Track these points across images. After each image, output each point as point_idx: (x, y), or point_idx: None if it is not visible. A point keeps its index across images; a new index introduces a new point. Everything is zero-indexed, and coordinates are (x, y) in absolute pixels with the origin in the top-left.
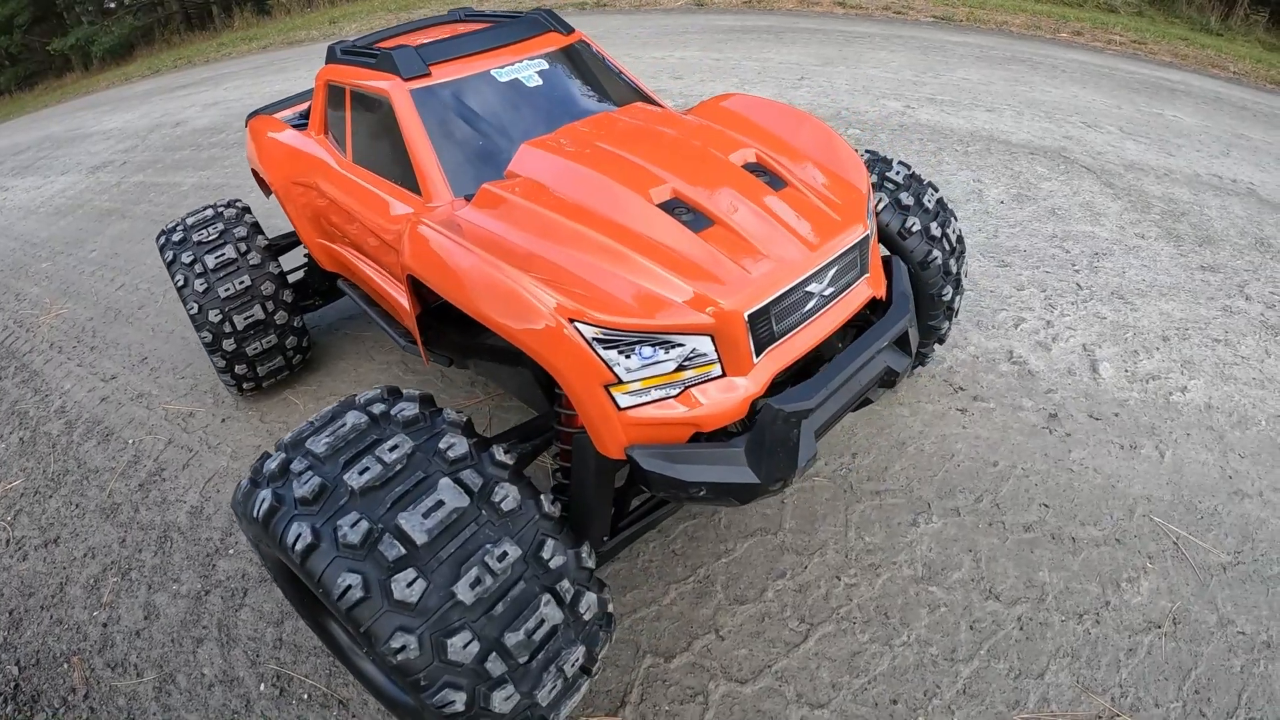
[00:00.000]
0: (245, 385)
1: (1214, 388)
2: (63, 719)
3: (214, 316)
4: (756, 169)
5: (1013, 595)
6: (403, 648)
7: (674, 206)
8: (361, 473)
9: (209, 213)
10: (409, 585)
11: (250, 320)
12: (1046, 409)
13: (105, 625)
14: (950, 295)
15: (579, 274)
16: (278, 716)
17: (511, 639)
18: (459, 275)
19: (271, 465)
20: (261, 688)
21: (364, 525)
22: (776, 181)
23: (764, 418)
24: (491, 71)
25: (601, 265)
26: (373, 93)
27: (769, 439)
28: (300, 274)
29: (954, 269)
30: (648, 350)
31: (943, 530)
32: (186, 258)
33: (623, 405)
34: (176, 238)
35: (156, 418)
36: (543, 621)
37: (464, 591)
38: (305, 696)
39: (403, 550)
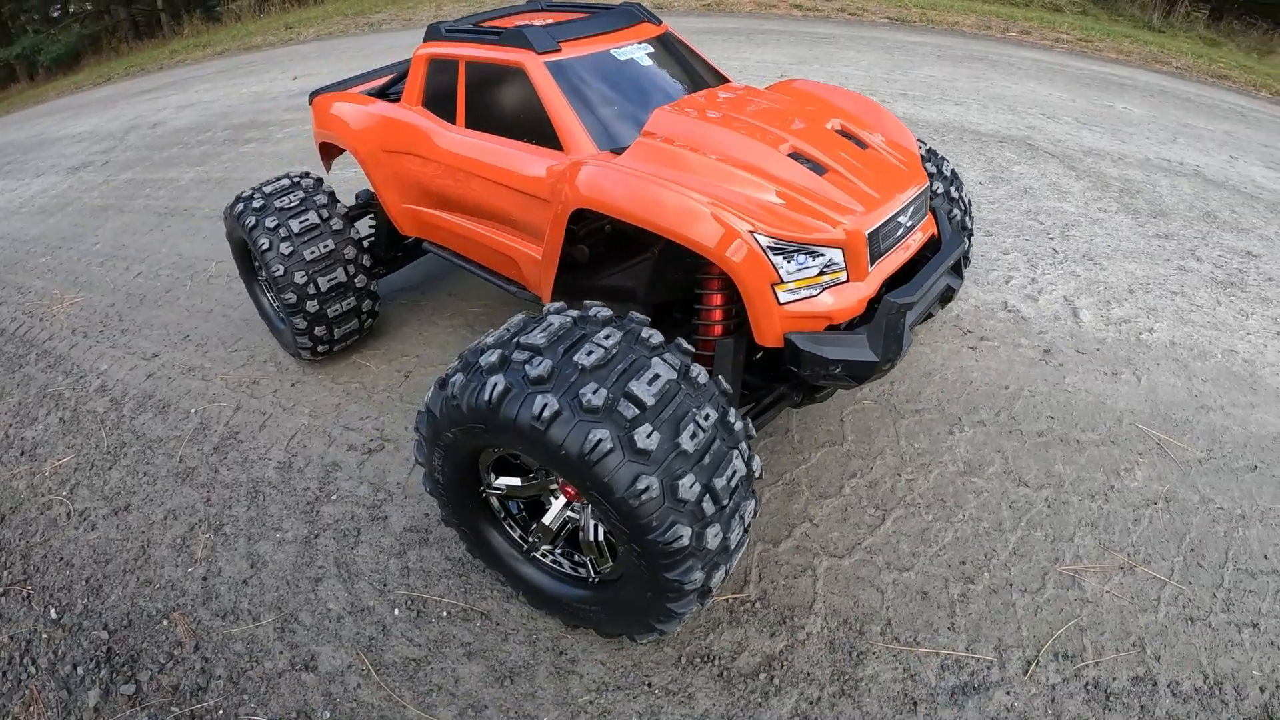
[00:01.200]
0: (320, 348)
1: (1175, 329)
2: (171, 673)
3: (299, 278)
4: (842, 134)
5: (1038, 482)
6: (646, 489)
7: (796, 159)
8: (588, 354)
9: (285, 182)
10: (648, 436)
11: (334, 283)
12: (1041, 346)
13: (205, 579)
14: (966, 245)
15: (748, 202)
16: (418, 635)
17: (718, 483)
18: (652, 202)
19: (490, 358)
20: (396, 612)
21: (603, 392)
22: (860, 143)
23: (883, 308)
24: (611, 50)
25: (761, 197)
26: (503, 64)
27: (886, 326)
28: (366, 242)
29: (968, 224)
30: (801, 258)
31: (974, 437)
32: (270, 222)
33: (782, 300)
34: (257, 204)
35: (216, 388)
36: (734, 473)
37: (686, 442)
38: (444, 614)
39: (637, 410)
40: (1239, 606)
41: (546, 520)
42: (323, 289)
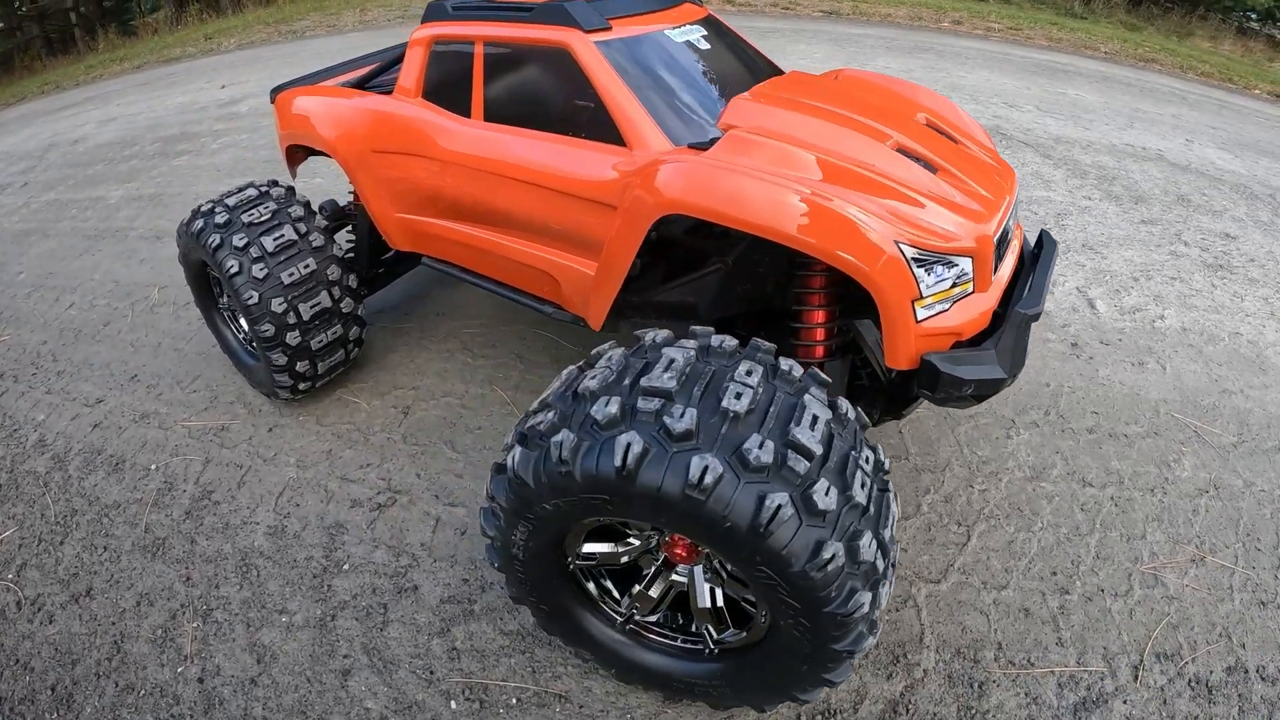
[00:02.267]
0: (301, 386)
1: (1183, 315)
2: None
3: (277, 306)
4: (932, 128)
5: (1100, 481)
6: (831, 556)
7: (904, 156)
8: (737, 397)
9: (252, 192)
10: (826, 494)
11: (317, 309)
12: (1067, 339)
13: (202, 681)
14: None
15: (884, 207)
16: None
17: (886, 534)
18: (774, 205)
19: (607, 410)
20: (453, 705)
21: (770, 445)
22: (951, 139)
23: (1012, 321)
24: (666, 31)
25: (890, 201)
26: (540, 45)
27: (1015, 340)
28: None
29: None
30: (940, 269)
31: (1031, 439)
32: (238, 240)
33: (919, 318)
34: (220, 219)
35: (177, 438)
36: (893, 518)
37: (858, 493)
38: (513, 702)
39: (806, 462)
40: None
41: (648, 589)
42: (305, 317)
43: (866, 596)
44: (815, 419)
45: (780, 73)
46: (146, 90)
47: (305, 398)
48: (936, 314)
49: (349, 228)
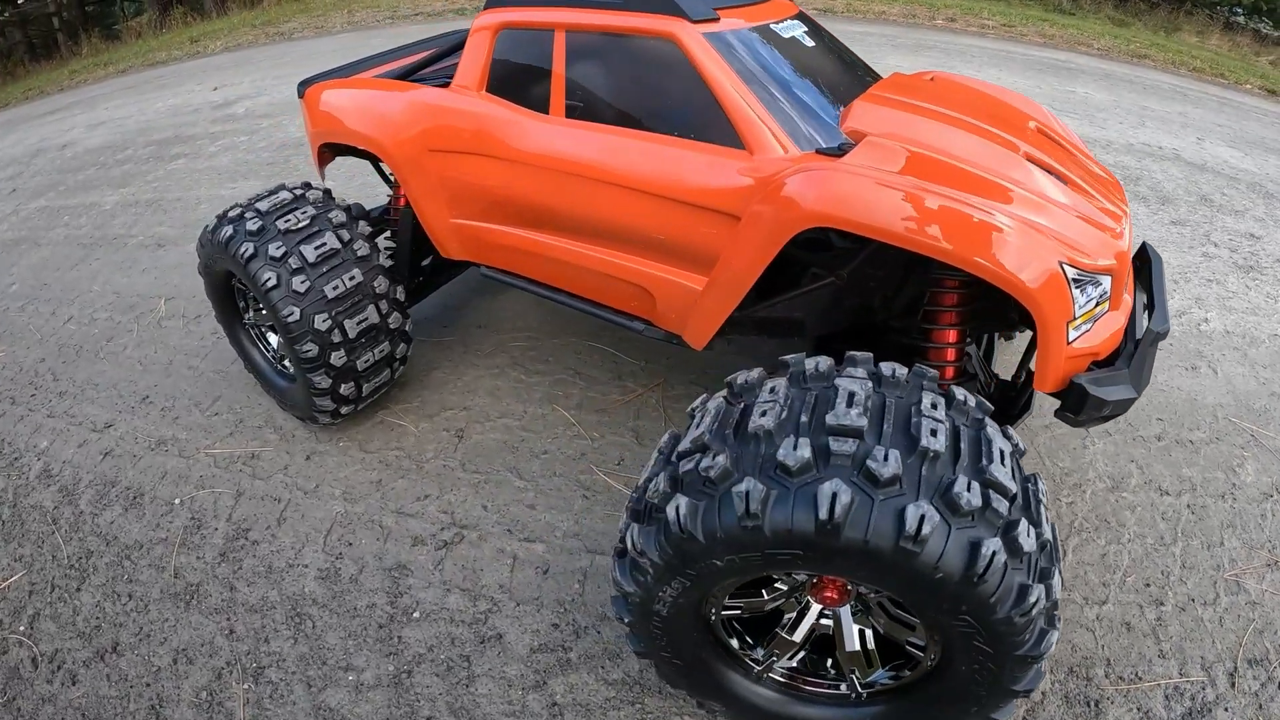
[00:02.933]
0: (344, 409)
1: (1225, 317)
2: None
3: (321, 323)
4: (1045, 135)
5: (1175, 489)
6: (1036, 600)
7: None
8: (933, 434)
9: (286, 195)
10: (1028, 535)
11: (364, 325)
12: None
13: None
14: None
15: (1042, 223)
16: None
17: (1059, 568)
18: (936, 219)
19: (798, 454)
20: None
21: (976, 486)
22: (1065, 148)
23: (1146, 339)
24: (772, 25)
25: (1040, 217)
26: (639, 34)
27: (1146, 358)
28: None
29: None
30: (1090, 289)
31: (1105, 448)
32: (275, 249)
33: (1070, 339)
34: (252, 225)
35: (201, 467)
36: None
37: (1046, 530)
38: None
39: (1007, 503)
40: None
41: (791, 634)
42: (351, 335)
43: (1054, 635)
44: (1002, 453)
45: (876, 73)
46: (134, 93)
47: (344, 421)
48: (1082, 334)
49: (386, 234)
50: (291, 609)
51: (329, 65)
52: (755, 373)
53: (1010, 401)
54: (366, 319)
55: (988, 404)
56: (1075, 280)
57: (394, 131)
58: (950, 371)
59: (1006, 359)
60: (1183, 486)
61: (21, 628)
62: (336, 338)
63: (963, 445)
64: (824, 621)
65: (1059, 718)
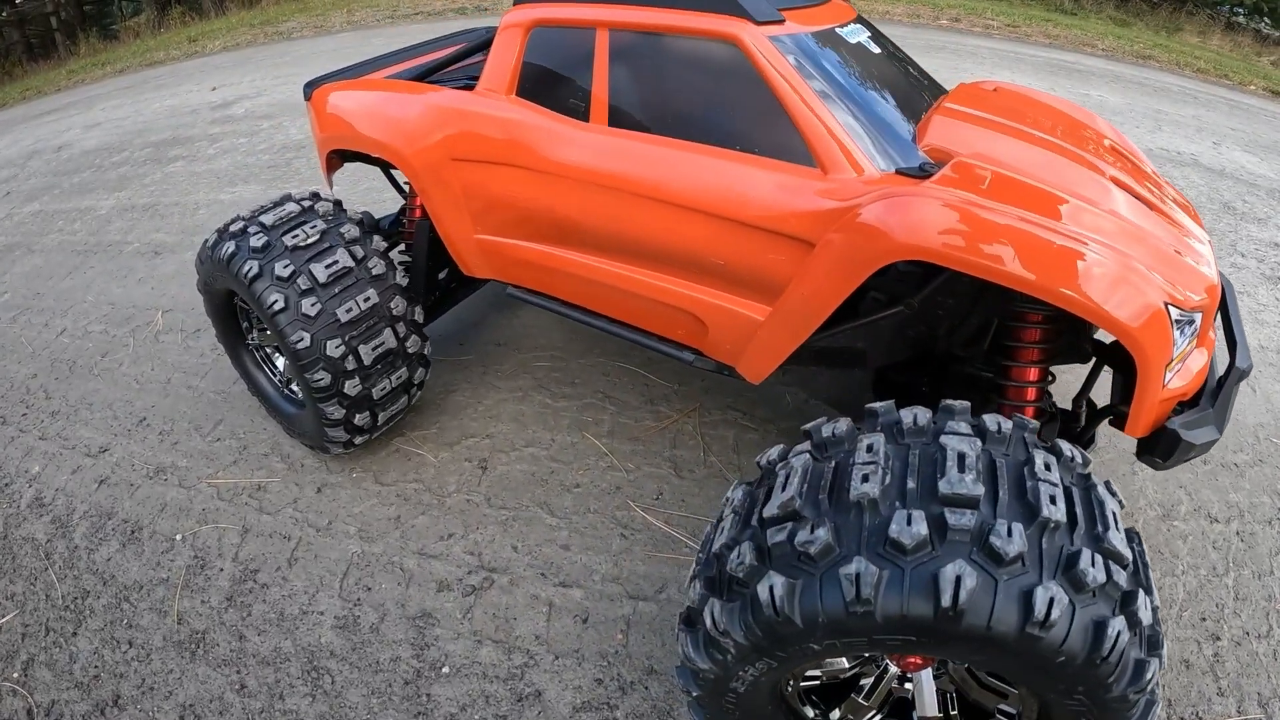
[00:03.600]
0: (358, 439)
1: (1258, 331)
2: None
3: (333, 349)
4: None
5: (1225, 516)
6: (1152, 676)
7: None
8: (1053, 501)
9: (292, 208)
10: (1147, 608)
11: (380, 350)
12: None
13: None
14: None
15: (1146, 260)
16: None
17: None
18: (1038, 256)
19: (915, 529)
20: None
21: (1099, 560)
22: (1141, 169)
23: (1232, 378)
24: (837, 29)
25: (1140, 251)
26: (697, 34)
27: (1230, 398)
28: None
29: None
30: (1187, 329)
31: (1153, 475)
32: (282, 269)
33: (1165, 380)
34: (256, 241)
35: (204, 499)
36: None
37: (1155, 595)
38: None
39: (1124, 573)
40: None
41: (867, 698)
42: (366, 361)
43: (1158, 708)
44: (1115, 516)
45: (937, 83)
46: (132, 94)
47: (358, 450)
48: (1174, 375)
49: (400, 248)
50: (308, 662)
51: (330, 65)
52: (843, 424)
53: (1073, 436)
54: (383, 344)
55: (1088, 456)
56: (1176, 321)
57: (412, 138)
58: (1031, 411)
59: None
60: (1230, 513)
61: (15, 674)
62: (351, 365)
63: (1078, 510)
64: (905, 685)
65: None
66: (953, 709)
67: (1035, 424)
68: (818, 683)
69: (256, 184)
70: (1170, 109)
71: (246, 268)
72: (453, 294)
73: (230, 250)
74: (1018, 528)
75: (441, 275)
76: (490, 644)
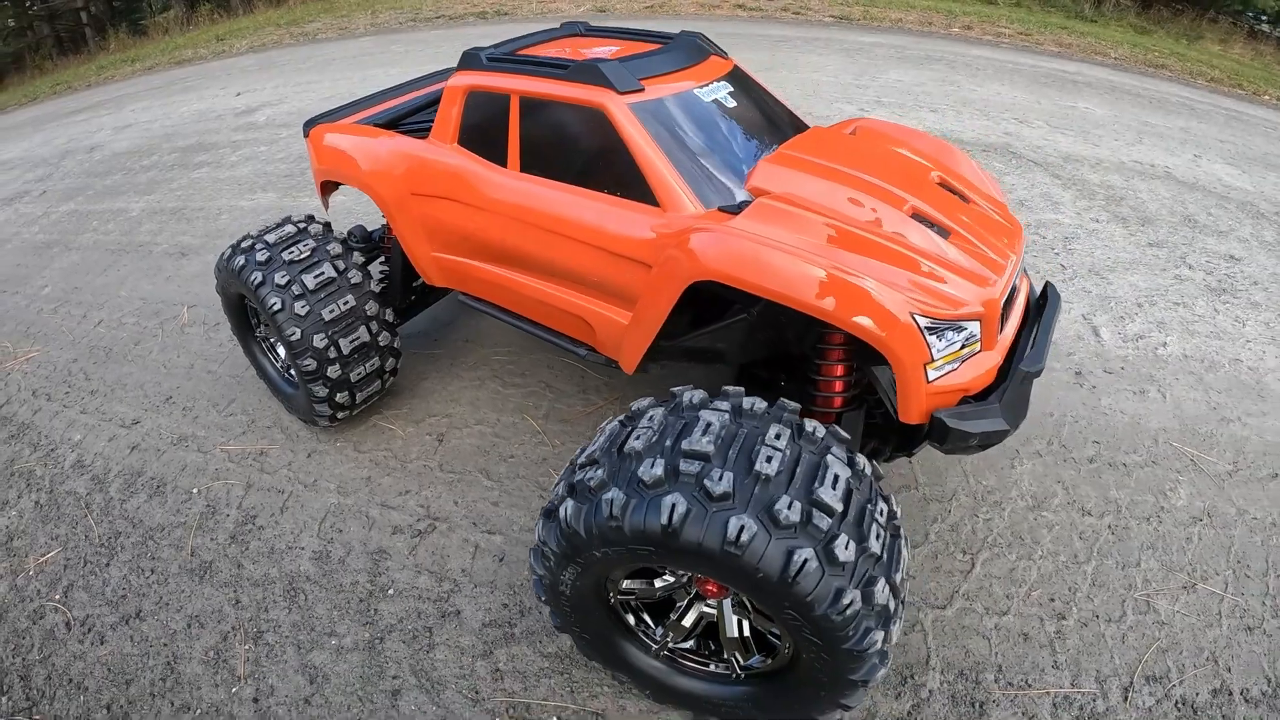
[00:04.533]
0: (340, 414)
1: (1185, 341)
2: None
3: (319, 342)
4: (944, 187)
5: (1099, 510)
6: (850, 603)
7: (919, 221)
8: (768, 461)
9: (290, 229)
10: (845, 547)
11: (356, 343)
12: (1072, 368)
13: (256, 701)
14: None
15: (901, 279)
16: None
17: (897, 578)
18: (799, 279)
19: (653, 471)
20: None
21: (797, 505)
22: (963, 198)
23: (1014, 378)
24: (695, 90)
25: (907, 271)
26: (575, 103)
27: (1017, 394)
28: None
29: None
30: (950, 334)
31: (1034, 469)
32: (280, 278)
33: (930, 378)
34: (260, 256)
35: (217, 462)
36: (904, 562)
37: (874, 545)
38: (554, 719)
39: (829, 519)
40: None
41: (680, 618)
42: (345, 351)
43: (880, 634)
44: (836, 478)
45: (802, 124)
46: (160, 95)
47: (342, 424)
48: (946, 374)
49: (381, 259)
50: (289, 584)
51: (350, 72)
52: (647, 401)
53: (914, 430)
54: (359, 338)
55: (843, 434)
56: (929, 328)
57: (381, 176)
58: (838, 402)
59: None
60: (1107, 508)
61: (57, 596)
62: (332, 354)
63: (799, 470)
64: (710, 611)
65: (944, 715)
66: (747, 634)
67: (794, 405)
68: (635, 598)
69: (274, 192)
70: (1160, 121)
71: (253, 277)
72: (426, 297)
73: (241, 263)
74: (729, 475)
75: (416, 283)
76: (427, 574)
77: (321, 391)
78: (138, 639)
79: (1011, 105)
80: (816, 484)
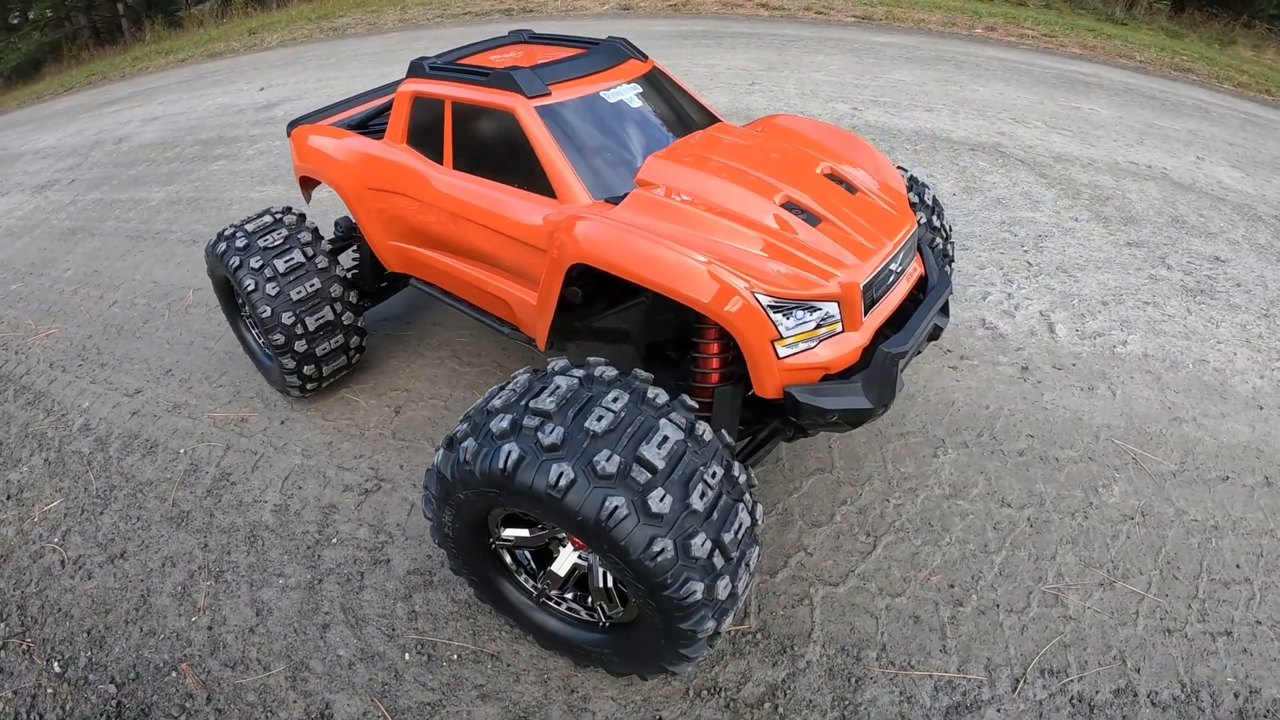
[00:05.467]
0: (309, 385)
1: (1148, 341)
2: None
3: (287, 319)
4: (832, 178)
5: (1020, 502)
6: (661, 550)
7: (790, 209)
8: (599, 419)
9: (268, 219)
10: (660, 500)
11: (321, 321)
12: (1019, 363)
13: (210, 629)
14: (950, 282)
15: (748, 260)
16: (431, 679)
17: (726, 537)
18: (651, 260)
19: (500, 424)
20: (406, 657)
21: (616, 459)
22: (850, 188)
23: (877, 358)
24: (601, 93)
25: (761, 254)
26: (492, 107)
27: (880, 374)
28: (350, 275)
29: (949, 251)
30: (800, 314)
31: (957, 459)
32: (255, 262)
33: (781, 355)
34: (240, 243)
35: (204, 426)
36: (740, 525)
37: (696, 502)
38: (455, 657)
39: (649, 474)
40: (1213, 616)
41: (555, 568)
42: (310, 328)
43: (699, 586)
44: (665, 439)
45: (715, 119)
46: (188, 88)
47: (313, 395)
48: (801, 351)
49: (354, 248)
50: (250, 532)
51: (372, 69)
52: (522, 374)
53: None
54: (323, 316)
55: (689, 403)
56: (774, 307)
57: (344, 173)
58: (714, 377)
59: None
60: (1029, 501)
61: (56, 539)
62: (299, 330)
63: (630, 430)
64: (582, 563)
65: (817, 686)
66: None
67: (647, 375)
68: (513, 545)
69: (283, 184)
70: (1167, 123)
71: (232, 261)
72: (396, 283)
73: (223, 249)
74: (559, 430)
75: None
76: (367, 527)
77: (290, 364)
78: (119, 575)
79: (1011, 105)
80: (643, 444)
